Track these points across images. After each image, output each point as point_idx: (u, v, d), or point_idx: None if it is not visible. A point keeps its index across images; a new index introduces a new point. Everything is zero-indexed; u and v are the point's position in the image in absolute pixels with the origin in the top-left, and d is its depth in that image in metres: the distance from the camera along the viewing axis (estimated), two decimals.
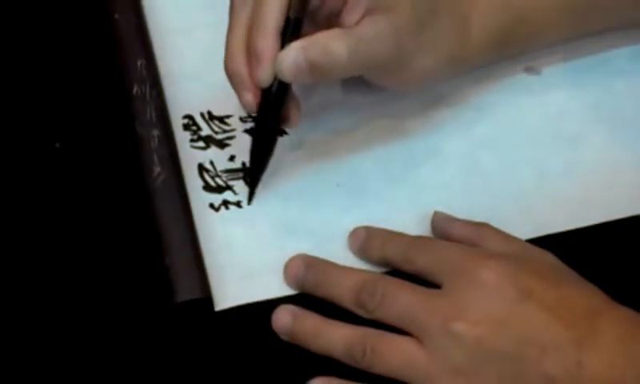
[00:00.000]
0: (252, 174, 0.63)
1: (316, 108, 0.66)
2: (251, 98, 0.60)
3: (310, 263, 0.60)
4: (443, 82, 0.66)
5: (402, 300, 0.56)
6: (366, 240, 0.61)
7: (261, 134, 0.62)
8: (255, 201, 0.63)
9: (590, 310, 0.54)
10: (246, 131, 0.66)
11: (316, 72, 0.59)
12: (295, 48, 0.59)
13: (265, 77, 0.60)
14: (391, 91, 0.66)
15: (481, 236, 0.59)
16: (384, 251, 0.60)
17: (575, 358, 0.52)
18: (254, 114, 0.63)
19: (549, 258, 0.58)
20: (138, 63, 0.67)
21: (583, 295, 0.55)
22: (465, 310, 0.54)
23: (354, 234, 0.61)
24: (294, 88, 0.62)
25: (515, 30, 0.65)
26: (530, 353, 0.53)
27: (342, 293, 0.58)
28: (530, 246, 0.59)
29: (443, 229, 0.61)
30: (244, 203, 0.63)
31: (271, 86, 0.60)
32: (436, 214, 0.62)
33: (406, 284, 0.57)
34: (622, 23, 0.69)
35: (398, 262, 0.59)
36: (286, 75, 0.59)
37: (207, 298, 0.58)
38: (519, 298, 0.54)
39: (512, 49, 0.67)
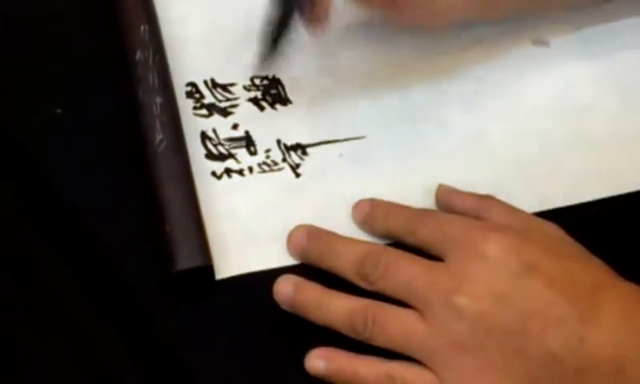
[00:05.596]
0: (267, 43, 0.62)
1: (324, 75, 0.66)
2: None
3: (312, 233, 0.59)
4: (472, 23, 0.66)
5: (404, 272, 0.55)
6: (369, 212, 0.60)
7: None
8: (257, 169, 0.63)
9: (594, 285, 0.53)
10: (250, 100, 0.65)
11: None
12: None
13: None
14: (402, 60, 0.66)
15: (485, 208, 0.59)
16: (387, 223, 0.59)
17: (578, 334, 0.51)
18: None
19: (554, 230, 0.57)
20: (141, 29, 0.66)
21: (588, 269, 0.54)
22: (467, 284, 0.53)
23: (358, 205, 0.61)
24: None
25: None
26: (531, 327, 0.52)
27: (344, 264, 0.57)
28: (535, 218, 0.59)
29: (447, 201, 0.60)
30: (246, 172, 0.62)
31: None
32: (440, 186, 0.61)
33: (409, 256, 0.56)
34: None
35: (402, 234, 0.58)
36: None
37: (208, 267, 0.58)
38: (522, 272, 0.53)
39: (536, 4, 0.66)
